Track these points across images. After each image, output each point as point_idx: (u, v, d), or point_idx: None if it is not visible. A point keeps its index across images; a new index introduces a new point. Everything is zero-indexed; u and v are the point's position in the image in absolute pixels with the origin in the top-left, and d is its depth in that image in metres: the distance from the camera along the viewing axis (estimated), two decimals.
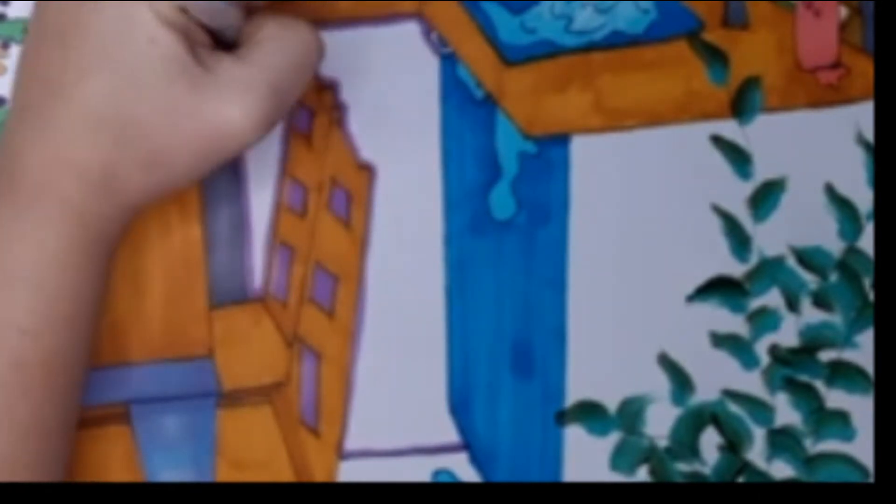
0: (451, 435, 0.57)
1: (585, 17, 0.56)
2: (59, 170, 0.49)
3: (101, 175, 0.49)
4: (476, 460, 0.57)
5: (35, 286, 0.49)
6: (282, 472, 0.56)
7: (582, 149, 0.56)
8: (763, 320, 0.58)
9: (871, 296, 0.58)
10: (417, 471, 0.57)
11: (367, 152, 0.56)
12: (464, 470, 0.57)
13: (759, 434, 0.58)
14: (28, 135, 0.49)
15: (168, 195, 0.51)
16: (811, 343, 0.58)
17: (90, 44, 0.49)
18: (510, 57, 0.56)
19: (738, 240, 0.57)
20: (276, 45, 0.50)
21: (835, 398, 0.58)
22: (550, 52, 0.56)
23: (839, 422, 0.58)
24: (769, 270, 0.58)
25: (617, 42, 0.56)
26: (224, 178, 0.55)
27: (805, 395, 0.58)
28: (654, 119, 0.57)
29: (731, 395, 0.58)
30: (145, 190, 0.50)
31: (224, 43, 0.51)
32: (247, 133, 0.49)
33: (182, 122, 0.49)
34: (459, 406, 0.56)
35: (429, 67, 0.55)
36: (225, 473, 0.56)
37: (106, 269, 0.51)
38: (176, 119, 0.49)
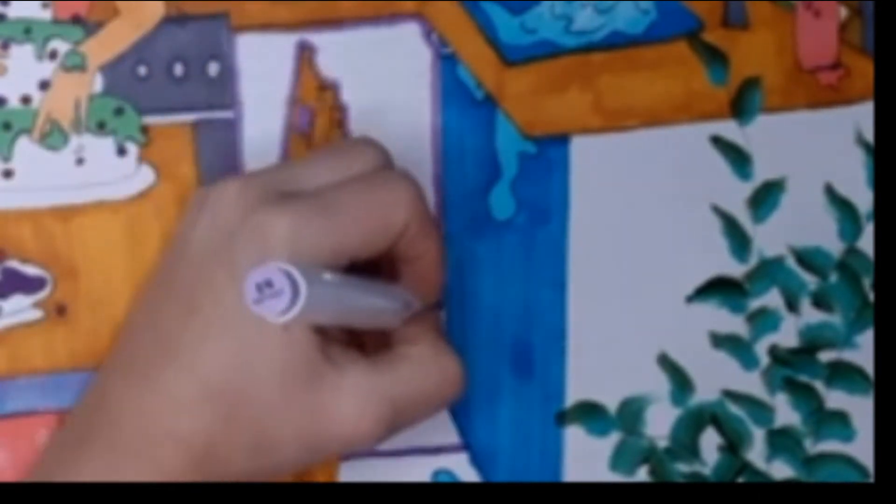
0: (451, 435, 0.57)
1: (585, 18, 0.56)
2: (160, 436, 0.47)
3: (202, 450, 0.47)
4: (476, 460, 0.57)
5: None
6: None
7: (582, 149, 0.56)
8: (763, 321, 0.58)
9: (871, 296, 0.58)
10: (417, 471, 0.57)
11: None
12: (464, 470, 0.57)
13: (758, 434, 0.58)
14: (132, 391, 0.47)
15: (265, 479, 0.49)
16: (811, 343, 0.58)
17: (218, 313, 0.46)
18: (510, 57, 0.56)
19: (738, 240, 0.57)
20: (418, 369, 0.49)
21: (834, 398, 0.58)
22: (550, 52, 0.56)
23: (839, 422, 0.58)
24: (769, 271, 0.58)
25: (617, 42, 0.56)
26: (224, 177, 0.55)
27: (805, 396, 0.58)
28: (653, 119, 0.57)
29: (730, 395, 0.58)
30: (245, 472, 0.48)
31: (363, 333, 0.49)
32: (356, 440, 0.48)
33: (294, 414, 0.47)
34: (459, 406, 0.56)
35: (429, 68, 0.55)
36: None
37: None
38: (289, 410, 0.47)
